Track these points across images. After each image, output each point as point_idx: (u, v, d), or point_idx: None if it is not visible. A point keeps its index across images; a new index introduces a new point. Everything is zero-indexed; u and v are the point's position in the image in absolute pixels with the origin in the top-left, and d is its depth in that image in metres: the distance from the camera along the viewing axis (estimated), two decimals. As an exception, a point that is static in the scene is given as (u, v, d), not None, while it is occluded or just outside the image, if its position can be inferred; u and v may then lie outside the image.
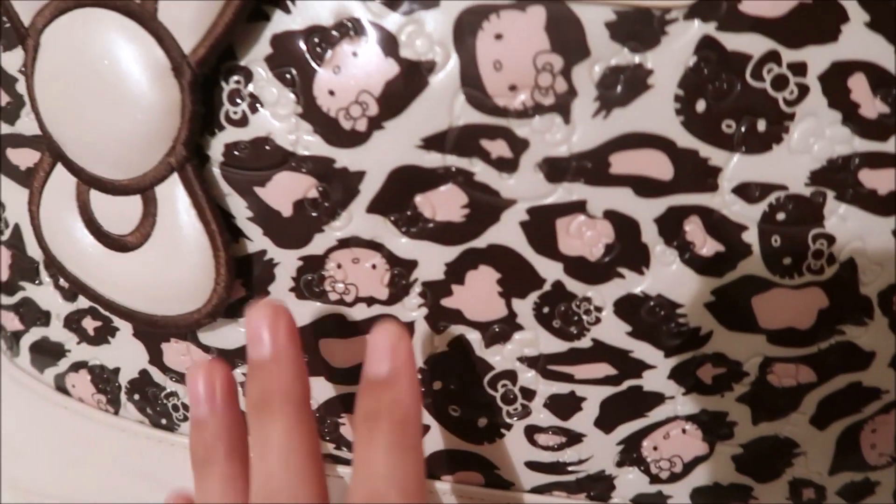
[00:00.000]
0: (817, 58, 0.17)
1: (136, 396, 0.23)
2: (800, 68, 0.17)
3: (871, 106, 0.18)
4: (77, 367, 0.23)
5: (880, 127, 0.18)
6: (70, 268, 0.21)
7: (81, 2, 0.18)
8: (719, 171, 0.18)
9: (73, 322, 0.23)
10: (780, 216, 0.18)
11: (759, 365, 0.20)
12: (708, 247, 0.19)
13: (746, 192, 0.18)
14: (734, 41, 0.17)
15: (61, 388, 0.24)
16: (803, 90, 0.18)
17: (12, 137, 0.22)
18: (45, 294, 0.23)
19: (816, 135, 0.18)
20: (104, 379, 0.23)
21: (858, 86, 0.18)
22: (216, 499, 0.19)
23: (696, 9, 0.17)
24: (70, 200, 0.20)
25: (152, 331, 0.21)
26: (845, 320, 0.19)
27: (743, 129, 0.18)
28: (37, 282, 0.23)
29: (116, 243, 0.20)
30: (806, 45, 0.17)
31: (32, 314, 0.24)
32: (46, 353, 0.24)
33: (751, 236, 0.19)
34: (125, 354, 0.22)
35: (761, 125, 0.18)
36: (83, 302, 0.22)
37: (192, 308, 0.20)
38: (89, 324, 0.23)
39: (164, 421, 0.23)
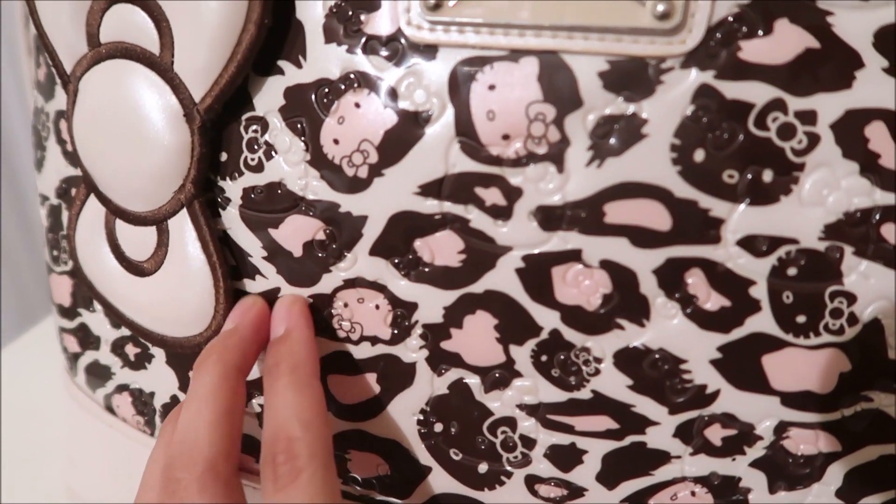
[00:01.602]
0: (828, 105, 0.16)
1: (168, 419, 0.24)
2: (809, 116, 0.16)
3: (893, 156, 0.16)
4: (121, 389, 0.25)
5: (904, 178, 0.16)
6: (99, 288, 0.23)
7: (112, 54, 0.20)
8: (722, 223, 0.17)
9: (118, 347, 0.25)
10: (792, 271, 0.17)
11: (774, 429, 0.18)
12: (712, 301, 0.18)
13: (753, 245, 0.17)
14: (734, 89, 0.17)
15: (109, 407, 0.26)
16: (813, 139, 0.17)
17: (77, 179, 0.25)
18: (96, 320, 0.25)
19: (830, 186, 0.17)
20: (142, 402, 0.25)
21: (877, 134, 0.16)
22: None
23: (692, 57, 0.17)
24: (100, 227, 0.22)
25: (179, 356, 0.23)
26: (873, 386, 0.18)
27: (747, 179, 0.17)
28: (91, 309, 0.25)
29: (135, 268, 0.22)
30: (815, 92, 0.16)
31: (87, 338, 0.26)
32: (97, 374, 0.26)
33: (759, 291, 0.18)
34: (159, 380, 0.24)
35: (767, 176, 0.17)
36: (126, 329, 0.24)
37: (196, 332, 0.21)
38: (131, 350, 0.25)
39: (190, 444, 0.24)
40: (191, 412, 0.19)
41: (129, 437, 0.25)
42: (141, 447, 0.25)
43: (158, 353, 0.24)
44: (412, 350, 0.20)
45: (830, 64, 0.16)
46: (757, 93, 0.17)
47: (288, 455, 0.18)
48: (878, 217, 0.17)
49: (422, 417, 0.21)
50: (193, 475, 0.18)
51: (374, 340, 0.21)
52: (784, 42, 0.16)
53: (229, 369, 0.19)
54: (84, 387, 0.27)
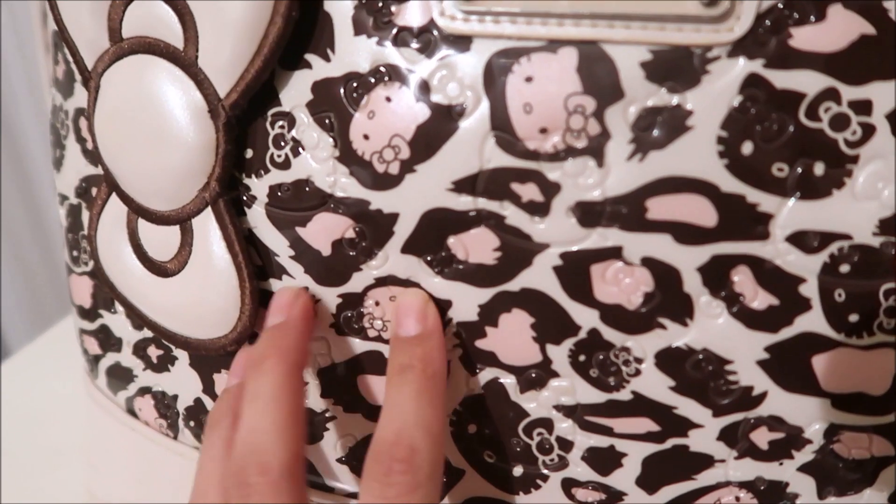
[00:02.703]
0: (884, 94, 0.16)
1: (192, 423, 0.24)
2: (863, 106, 0.16)
3: (953, 146, 0.16)
4: (143, 391, 0.25)
5: (963, 170, 0.16)
6: (121, 289, 0.22)
7: (135, 49, 0.20)
8: (770, 218, 0.17)
9: (140, 349, 0.24)
10: (844, 268, 0.17)
11: (824, 432, 0.18)
12: (760, 299, 0.17)
13: (803, 241, 0.17)
14: (784, 79, 0.16)
15: (131, 410, 0.26)
16: (868, 130, 0.16)
17: (98, 178, 0.24)
18: (118, 322, 0.25)
19: (885, 179, 0.16)
20: (165, 405, 0.24)
21: (935, 124, 0.16)
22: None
23: (740, 45, 0.16)
24: (122, 227, 0.22)
25: (203, 358, 0.23)
26: (928, 387, 0.17)
27: (797, 172, 0.16)
28: (112, 310, 0.25)
29: (158, 268, 0.21)
30: (870, 80, 0.16)
31: (108, 340, 0.25)
32: (119, 377, 0.26)
33: (810, 289, 0.17)
34: (183, 382, 0.24)
35: (819, 169, 0.16)
36: (148, 331, 0.24)
37: (220, 334, 0.21)
38: (153, 352, 0.24)
39: (215, 448, 0.24)
40: (256, 415, 0.18)
41: (152, 440, 0.25)
42: (163, 450, 0.24)
43: (182, 356, 0.23)
44: (446, 349, 0.20)
45: (887, 50, 0.15)
46: (808, 82, 0.16)
47: (409, 465, 0.17)
48: (935, 211, 0.16)
49: (455, 418, 0.20)
50: (268, 479, 0.17)
51: (406, 341, 0.20)
52: (837, 28, 0.15)
53: (291, 367, 0.19)
54: (105, 389, 0.26)
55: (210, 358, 0.23)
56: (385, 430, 0.18)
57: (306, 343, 0.20)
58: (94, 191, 0.24)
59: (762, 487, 0.19)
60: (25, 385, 0.39)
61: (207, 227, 0.20)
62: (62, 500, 0.31)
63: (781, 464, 0.18)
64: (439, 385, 0.19)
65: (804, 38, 0.16)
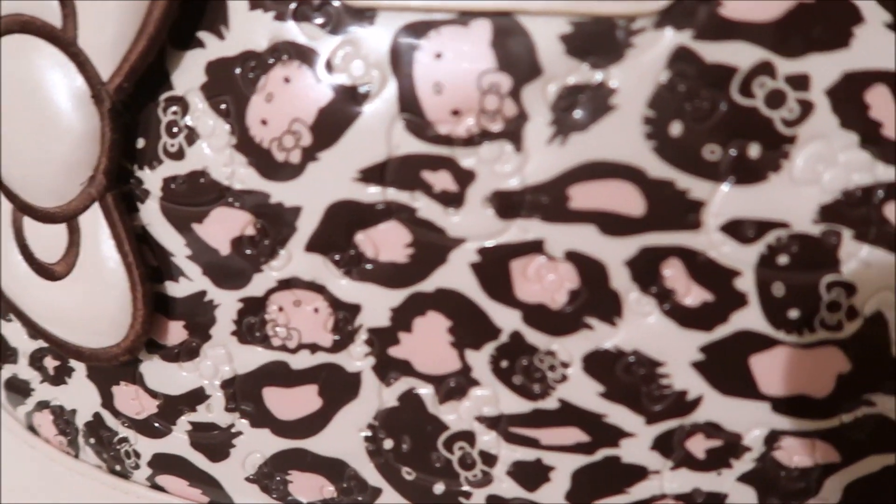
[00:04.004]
0: (823, 68, 0.14)
1: (93, 440, 0.22)
2: (801, 81, 0.14)
3: (897, 125, 0.14)
4: (41, 406, 0.23)
5: (909, 151, 0.14)
6: (8, 293, 0.20)
7: (10, 28, 0.18)
8: (702, 206, 0.15)
9: (36, 360, 0.22)
10: (783, 259, 0.15)
11: (764, 438, 0.16)
12: (693, 295, 0.16)
13: (738, 230, 0.15)
14: (715, 51, 0.14)
15: (31, 426, 0.24)
16: (806, 107, 0.14)
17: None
18: (12, 330, 0.22)
19: (826, 161, 0.15)
20: (64, 420, 0.22)
21: (879, 100, 0.14)
22: None
23: (667, 15, 0.14)
24: (7, 226, 0.20)
25: (101, 369, 0.21)
26: (875, 388, 0.16)
27: (731, 155, 0.15)
28: (7, 318, 0.23)
29: (45, 271, 0.19)
30: (807, 52, 0.14)
31: (4, 351, 0.23)
32: (17, 390, 0.23)
33: (746, 283, 0.15)
34: (80, 396, 0.21)
35: (754, 151, 0.15)
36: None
37: (113, 342, 0.19)
38: (50, 362, 0.22)
39: (118, 467, 0.22)
40: None
41: (52, 458, 0.23)
42: (64, 470, 0.22)
43: (79, 367, 0.21)
44: (357, 358, 0.18)
45: (825, 20, 0.14)
46: (741, 55, 0.14)
47: None
48: (880, 196, 0.15)
49: (370, 433, 0.18)
50: None
51: (314, 348, 0.18)
52: (770, -4, 0.14)
53: None
54: (6, 404, 0.24)
55: (108, 369, 0.21)
56: None
57: None
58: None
59: (700, 500, 0.17)
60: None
61: (96, 225, 0.18)
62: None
63: (720, 473, 0.17)
64: None
65: (736, 6, 0.14)
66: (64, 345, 0.20)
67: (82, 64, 0.17)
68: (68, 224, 0.19)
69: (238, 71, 0.17)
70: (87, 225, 0.18)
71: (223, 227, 0.18)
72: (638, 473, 0.17)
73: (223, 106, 0.17)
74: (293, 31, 0.16)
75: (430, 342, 0.17)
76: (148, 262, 0.18)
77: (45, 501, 0.23)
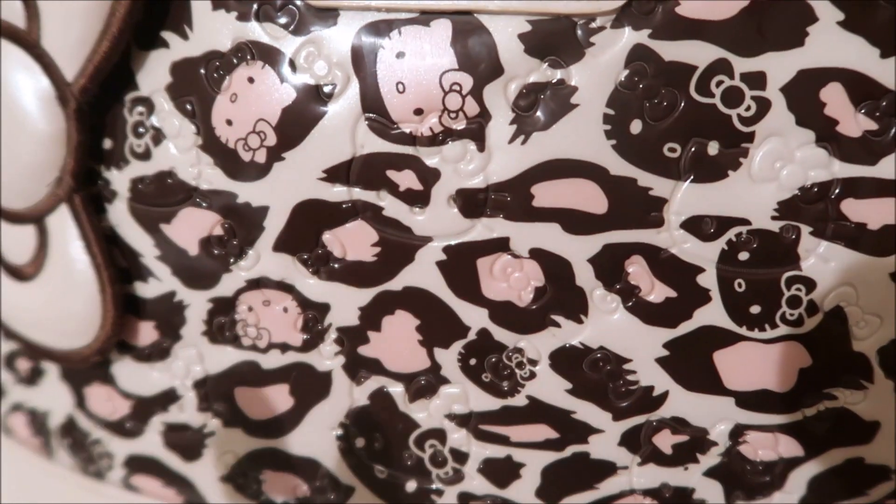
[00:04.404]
0: (779, 66, 0.14)
1: (67, 442, 0.22)
2: (757, 79, 0.14)
3: (853, 122, 0.14)
4: (15, 408, 0.23)
5: (866, 147, 0.15)
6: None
7: (-27, 31, 0.18)
8: (664, 203, 0.15)
9: (10, 361, 0.22)
10: (743, 256, 0.15)
11: (730, 433, 0.17)
12: (657, 292, 0.16)
13: (699, 227, 0.15)
14: (673, 50, 0.15)
15: (7, 428, 0.24)
16: (763, 105, 0.15)
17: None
18: (-15, 333, 0.23)
19: (784, 158, 0.15)
20: (38, 422, 0.22)
21: (835, 98, 0.14)
22: None
23: (625, 14, 0.15)
24: (-22, 227, 0.20)
25: (74, 370, 0.21)
26: (836, 383, 0.16)
27: (690, 152, 0.15)
28: (-20, 320, 0.23)
29: (15, 272, 0.19)
30: (763, 51, 0.14)
31: (-23, 353, 0.23)
32: (-9, 392, 0.23)
33: (708, 280, 0.16)
34: (54, 398, 0.21)
35: (713, 148, 0.15)
36: (15, 342, 0.22)
37: (83, 343, 0.19)
38: (23, 364, 0.22)
39: (91, 468, 0.22)
40: None
41: (27, 460, 0.22)
42: (39, 472, 0.22)
43: (51, 368, 0.21)
44: (327, 357, 0.18)
45: (780, 18, 0.14)
46: (698, 54, 0.14)
47: None
48: (837, 192, 0.15)
49: (341, 432, 0.19)
50: None
51: (284, 348, 0.18)
52: (727, -6, 0.14)
53: None
54: (-20, 407, 0.24)
55: (81, 370, 0.21)
56: None
57: None
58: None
59: (667, 495, 0.17)
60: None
61: (64, 226, 0.18)
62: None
63: (686, 468, 0.17)
64: None
65: (692, 5, 0.14)
66: (35, 346, 0.20)
67: (47, 65, 0.17)
68: (37, 225, 0.19)
69: (202, 71, 0.17)
70: (55, 226, 0.18)
71: (191, 228, 0.18)
72: (607, 469, 0.17)
73: (188, 106, 0.17)
74: (256, 31, 0.16)
75: (399, 341, 0.17)
76: (117, 263, 0.18)
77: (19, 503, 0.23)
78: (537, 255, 0.16)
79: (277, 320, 0.18)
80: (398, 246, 0.17)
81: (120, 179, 0.18)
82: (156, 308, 0.19)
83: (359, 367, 0.18)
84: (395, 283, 0.17)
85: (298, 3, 0.16)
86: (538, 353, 0.17)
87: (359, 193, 0.16)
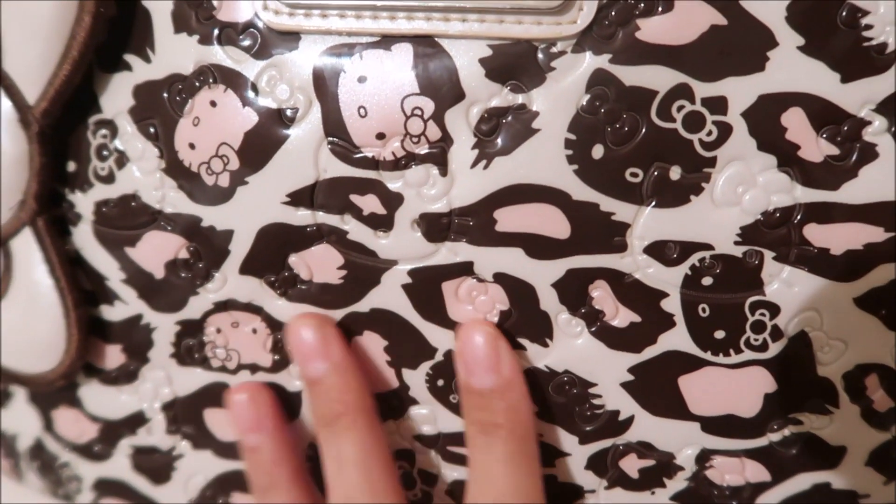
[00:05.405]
0: (740, 91, 0.14)
1: (35, 465, 0.22)
2: (718, 104, 0.14)
3: (815, 147, 0.14)
4: (-15, 429, 0.23)
5: (828, 172, 0.14)
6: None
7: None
8: (627, 228, 0.15)
9: (-21, 383, 0.22)
10: (707, 281, 0.15)
11: (696, 457, 0.16)
12: (621, 317, 0.16)
13: (662, 252, 0.15)
14: (634, 75, 0.14)
15: (-23, 450, 0.24)
16: (725, 130, 0.14)
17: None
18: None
19: (746, 183, 0.15)
20: (7, 445, 0.22)
21: (796, 123, 0.14)
22: None
23: (585, 39, 0.14)
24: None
25: (42, 393, 0.20)
26: (802, 408, 0.16)
27: (653, 177, 0.15)
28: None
29: (-20, 297, 0.19)
30: (724, 76, 0.14)
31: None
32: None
33: (672, 305, 0.15)
34: (22, 420, 0.21)
35: (675, 173, 0.15)
36: (-16, 363, 0.22)
37: (49, 367, 0.18)
38: (-8, 386, 0.22)
39: (60, 491, 0.22)
40: (351, 482, 0.17)
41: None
42: (11, 495, 0.22)
43: (19, 391, 0.21)
44: (297, 377, 0.18)
45: (740, 43, 0.14)
46: (659, 78, 0.14)
47: None
48: (799, 217, 0.15)
49: (311, 453, 0.18)
50: None
51: (254, 369, 0.18)
52: (687, 19, 0.14)
53: (369, 418, 0.17)
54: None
55: (49, 393, 0.20)
56: (473, 495, 0.16)
57: (364, 380, 0.17)
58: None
59: (635, 519, 0.17)
60: None
61: (28, 249, 0.18)
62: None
63: (654, 493, 0.17)
64: (530, 441, 0.16)
65: (652, 30, 0.14)
66: (0, 369, 0.20)
67: (8, 87, 0.17)
68: (1, 248, 0.19)
69: (165, 94, 0.17)
70: (19, 249, 0.18)
71: (156, 251, 0.18)
72: (574, 493, 0.17)
73: (152, 129, 0.17)
74: (219, 54, 0.16)
75: (367, 362, 0.17)
76: (82, 287, 0.18)
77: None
78: (501, 279, 0.16)
79: (247, 341, 0.18)
80: (364, 269, 0.16)
81: (84, 202, 0.18)
82: (122, 331, 0.19)
83: (326, 390, 0.18)
84: (363, 305, 0.17)
85: (260, 25, 0.16)
86: (504, 376, 0.17)
87: (323, 217, 0.16)
